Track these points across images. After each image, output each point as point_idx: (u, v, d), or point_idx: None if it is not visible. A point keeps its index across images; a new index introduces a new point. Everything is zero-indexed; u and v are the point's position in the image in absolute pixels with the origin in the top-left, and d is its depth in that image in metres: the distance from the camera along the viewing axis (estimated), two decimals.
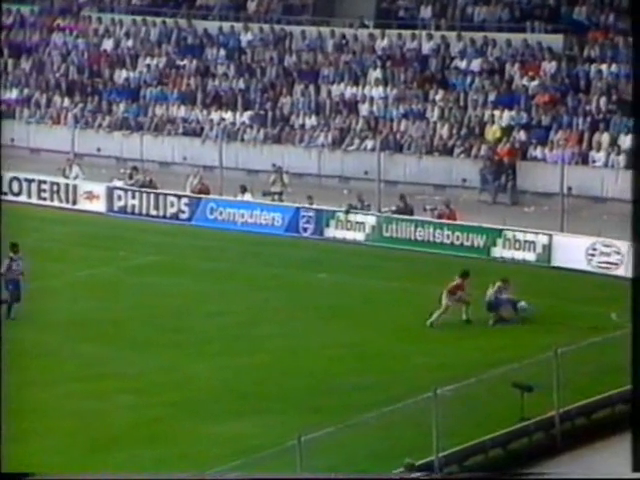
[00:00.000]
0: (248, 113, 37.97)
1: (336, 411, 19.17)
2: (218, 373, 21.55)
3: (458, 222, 29.96)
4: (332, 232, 30.83)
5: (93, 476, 17.51)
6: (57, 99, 40.05)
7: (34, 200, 33.88)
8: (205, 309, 25.12)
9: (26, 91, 40.50)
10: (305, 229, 31.32)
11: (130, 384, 20.93)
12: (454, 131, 35.71)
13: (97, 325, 24.14)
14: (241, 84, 38.60)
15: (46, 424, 19.29)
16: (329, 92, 37.84)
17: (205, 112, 38.40)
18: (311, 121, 37.51)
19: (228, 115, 38.12)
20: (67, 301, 25.59)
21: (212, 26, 40.26)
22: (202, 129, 38.10)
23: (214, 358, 22.27)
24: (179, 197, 32.74)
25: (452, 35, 37.26)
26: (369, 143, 36.11)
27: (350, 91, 37.61)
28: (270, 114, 37.94)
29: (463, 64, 36.71)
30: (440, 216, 30.43)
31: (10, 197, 33.87)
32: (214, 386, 20.98)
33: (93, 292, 26.13)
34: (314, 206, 31.61)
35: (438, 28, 37.78)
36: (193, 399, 20.35)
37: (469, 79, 36.30)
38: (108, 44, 41.07)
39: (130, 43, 40.82)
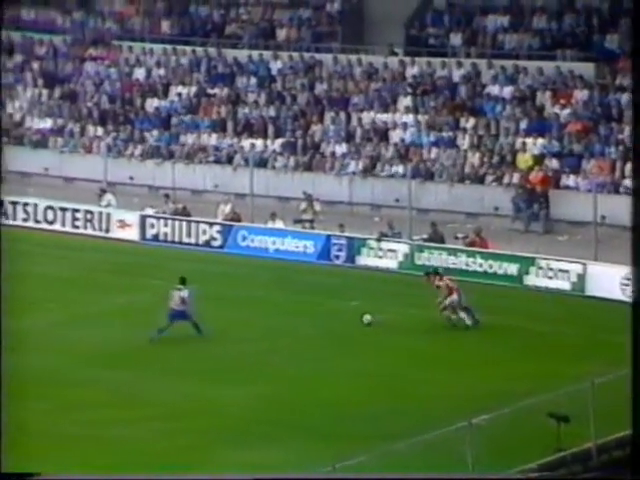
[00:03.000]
0: (279, 141, 38.08)
1: (362, 439, 19.16)
2: (246, 400, 21.58)
3: (491, 250, 29.87)
4: (364, 260, 30.81)
5: (93, 476, 17.53)
6: (90, 128, 40.31)
7: (68, 228, 34.04)
8: (234, 336, 25.21)
9: (60, 121, 40.77)
10: (337, 257, 31.30)
11: (161, 411, 21.00)
12: (485, 159, 35.66)
13: (129, 352, 24.20)
14: (272, 112, 38.73)
15: (78, 450, 19.27)
16: (359, 120, 37.89)
17: (236, 140, 38.55)
18: (342, 148, 37.56)
19: (259, 143, 38.24)
20: (99, 328, 25.64)
21: (242, 54, 40.44)
22: (233, 157, 38.24)
23: (242, 385, 22.32)
24: (211, 224, 32.86)
25: (482, 63, 37.27)
26: (400, 171, 36.11)
27: (380, 118, 37.65)
28: (301, 141, 38.03)
29: (494, 91, 36.71)
30: (471, 244, 30.34)
31: (44, 225, 34.15)
32: (241, 413, 21.03)
33: (126, 319, 26.21)
34: (345, 234, 31.61)
35: (468, 55, 37.82)
36: (221, 426, 20.37)
37: (500, 107, 36.28)
38: (140, 73, 41.34)
39: (161, 72, 41.07)
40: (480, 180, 35.35)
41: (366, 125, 37.71)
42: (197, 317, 25.07)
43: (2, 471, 15.66)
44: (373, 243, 30.93)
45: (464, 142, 36.21)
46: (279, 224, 32.63)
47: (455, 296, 25.64)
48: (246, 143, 38.30)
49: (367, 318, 25.94)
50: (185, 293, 24.94)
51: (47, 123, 40.75)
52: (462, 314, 25.54)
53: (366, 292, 28.52)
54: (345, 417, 20.71)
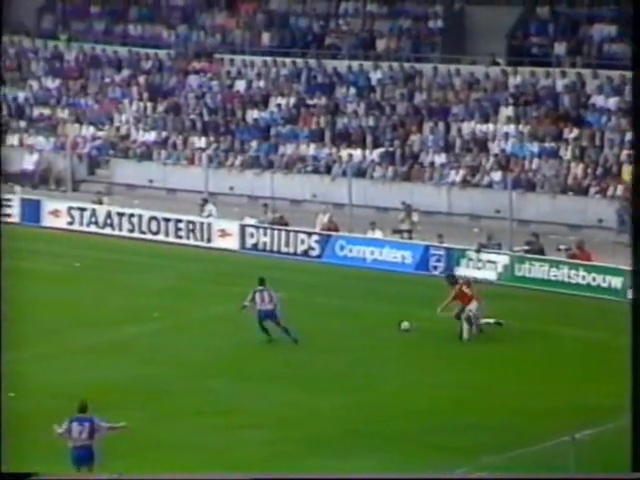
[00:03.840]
0: (378, 151, 38.00)
1: (455, 451, 19.00)
2: (339, 410, 21.56)
3: (594, 263, 29.33)
4: (463, 271, 30.49)
5: (94, 476, 17.48)
6: (192, 140, 40.75)
7: (171, 239, 34.41)
8: (329, 346, 25.22)
9: (163, 133, 41.31)
10: (435, 267, 31.06)
11: (259, 419, 21.03)
12: (589, 170, 35.09)
13: (228, 361, 24.32)
14: (370, 122, 38.69)
15: (178, 457, 19.37)
16: (459, 130, 37.61)
17: (335, 150, 38.59)
18: (441, 159, 37.32)
19: (357, 153, 38.22)
20: (201, 337, 25.81)
21: (341, 65, 40.52)
22: (332, 167, 38.28)
23: (335, 395, 22.30)
24: (309, 234, 32.90)
25: (587, 73, 36.70)
26: (500, 181, 35.72)
27: (481, 129, 37.32)
28: (399, 151, 37.90)
29: (599, 102, 36.11)
30: (573, 257, 29.85)
31: (149, 236, 34.60)
32: (338, 423, 20.98)
33: (225, 328, 26.33)
34: (444, 244, 31.35)
35: (573, 65, 37.30)
36: (318, 435, 20.37)
37: (605, 118, 35.67)
38: (240, 85, 41.67)
39: (261, 83, 41.35)
40: (583, 192, 34.80)
41: (466, 135, 37.41)
42: (290, 323, 25.03)
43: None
44: (472, 254, 30.62)
45: (567, 153, 35.69)
46: (378, 234, 32.52)
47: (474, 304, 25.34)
48: (344, 153, 38.30)
49: (405, 325, 25.78)
50: (268, 293, 25.02)
51: (151, 136, 41.32)
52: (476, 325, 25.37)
53: None
54: (438, 428, 20.53)
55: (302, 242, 32.84)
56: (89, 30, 45.03)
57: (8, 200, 36.39)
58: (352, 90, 39.75)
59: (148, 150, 40.96)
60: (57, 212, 35.89)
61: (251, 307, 25.21)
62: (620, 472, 17.40)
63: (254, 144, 39.78)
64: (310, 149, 39.07)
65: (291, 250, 32.89)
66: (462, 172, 36.68)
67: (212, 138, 40.44)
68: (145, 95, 42.42)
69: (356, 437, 20.29)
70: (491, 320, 25.83)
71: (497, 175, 36.05)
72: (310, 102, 40.09)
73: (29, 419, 19.08)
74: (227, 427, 20.62)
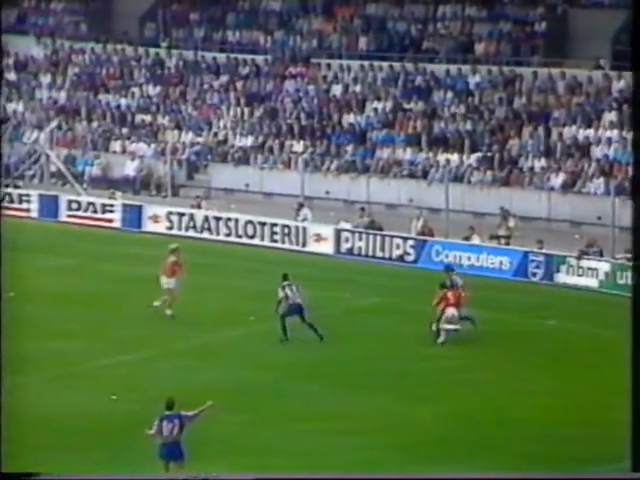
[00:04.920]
0: (475, 155, 37.49)
1: (548, 461, 18.61)
2: (432, 417, 21.26)
3: None
4: (563, 278, 29.86)
5: (94, 476, 17.51)
6: (289, 144, 40.71)
7: (267, 243, 34.38)
8: (423, 353, 24.92)
9: (260, 138, 41.36)
10: (534, 274, 30.42)
11: (354, 425, 20.82)
12: None
13: (320, 365, 24.14)
14: (468, 126, 38.19)
15: (273, 461, 19.23)
16: (560, 134, 36.87)
17: (431, 154, 38.17)
18: (540, 164, 36.62)
19: (454, 157, 37.75)
20: (294, 342, 25.63)
21: (439, 69, 40.14)
22: (428, 171, 37.86)
23: (428, 402, 22.01)
24: (405, 239, 32.55)
25: None
26: (602, 187, 34.90)
27: (583, 134, 36.53)
28: (498, 156, 37.30)
29: None
30: None
31: (245, 240, 34.62)
32: (428, 430, 20.70)
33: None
34: (544, 250, 30.70)
35: None
36: (410, 442, 20.09)
37: None
38: (337, 89, 41.54)
39: (358, 88, 41.15)
40: None
41: (567, 140, 36.67)
42: (382, 329, 24.75)
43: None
44: (573, 261, 29.93)
45: None
46: (475, 240, 31.99)
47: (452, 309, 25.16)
48: (441, 157, 37.86)
49: None
50: (296, 287, 25.03)
51: (248, 140, 41.41)
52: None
53: (564, 311, 27.56)
54: (532, 438, 20.04)
55: (397, 247, 32.49)
56: (189, 37, 45.39)
57: (111, 206, 36.84)
58: (449, 94, 39.31)
59: (245, 155, 41.05)
60: (156, 217, 36.18)
61: (284, 303, 25.11)
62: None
63: (350, 148, 39.58)
64: (406, 153, 38.72)
65: (386, 255, 32.56)
66: (563, 177, 35.92)
67: (308, 142, 40.36)
68: (242, 100, 42.54)
69: (449, 444, 19.96)
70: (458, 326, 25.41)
71: (599, 181, 35.22)
72: (407, 106, 39.77)
73: (134, 421, 19.02)
74: (321, 432, 20.44)
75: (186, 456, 17.48)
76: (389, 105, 40.08)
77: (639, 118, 15.93)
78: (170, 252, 27.19)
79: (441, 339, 25.27)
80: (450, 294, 25.52)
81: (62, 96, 44.67)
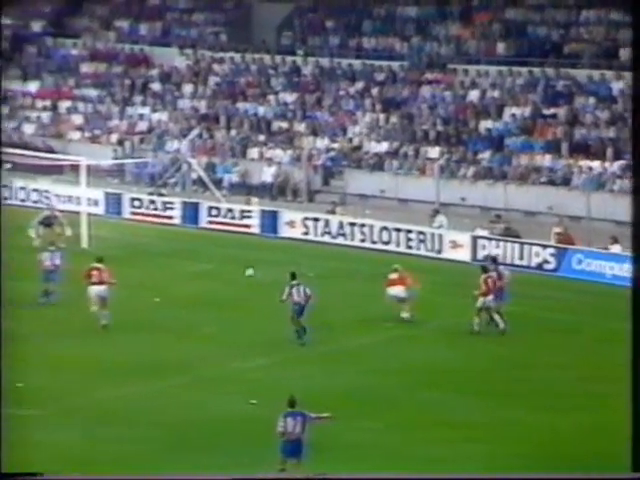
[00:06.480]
0: (619, 163, 36.54)
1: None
2: (562, 428, 20.80)
3: None
4: None
5: (95, 476, 17.54)
6: (424, 150, 40.34)
7: (402, 249, 34.10)
8: (548, 360, 24.53)
9: (395, 144, 41.09)
10: None
11: (476, 434, 20.49)
12: None
13: (452, 373, 23.87)
14: (611, 133, 37.21)
15: (397, 468, 18.97)
16: None
17: (572, 161, 37.31)
18: None
19: (596, 164, 36.83)
20: (427, 348, 25.38)
21: (581, 74, 39.31)
22: (569, 178, 37.02)
23: (558, 412, 21.55)
24: (544, 247, 31.87)
25: None
26: None
27: None
28: None
29: None
30: None
31: (380, 246, 34.39)
32: (557, 441, 20.26)
33: (450, 340, 25.95)
34: None
35: None
36: (538, 453, 19.64)
37: None
38: (474, 95, 41.03)
39: (496, 93, 40.55)
40: None
41: None
42: (513, 337, 24.23)
43: None
44: None
45: None
46: (616, 249, 31.08)
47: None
48: (582, 164, 36.97)
49: (249, 272, 27.10)
50: (303, 287, 25.04)
51: (383, 146, 41.20)
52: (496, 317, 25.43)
53: None
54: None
55: (537, 255, 31.85)
56: (325, 44, 45.47)
57: (249, 212, 37.08)
58: (592, 100, 38.38)
59: (380, 160, 40.83)
60: (292, 223, 36.26)
61: (289, 302, 25.08)
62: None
63: (487, 154, 38.98)
64: (545, 160, 37.93)
65: (525, 263, 31.94)
66: None
67: (444, 148, 39.91)
68: (378, 106, 42.35)
69: (572, 456, 19.42)
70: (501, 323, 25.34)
71: None
72: (547, 112, 38.98)
73: (267, 424, 18.97)
74: (443, 440, 20.15)
75: (305, 455, 17.52)
76: (528, 111, 39.37)
77: (639, 118, 15.37)
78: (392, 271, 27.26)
79: (502, 325, 25.35)
80: (490, 280, 25.68)
81: (203, 105, 45.19)
